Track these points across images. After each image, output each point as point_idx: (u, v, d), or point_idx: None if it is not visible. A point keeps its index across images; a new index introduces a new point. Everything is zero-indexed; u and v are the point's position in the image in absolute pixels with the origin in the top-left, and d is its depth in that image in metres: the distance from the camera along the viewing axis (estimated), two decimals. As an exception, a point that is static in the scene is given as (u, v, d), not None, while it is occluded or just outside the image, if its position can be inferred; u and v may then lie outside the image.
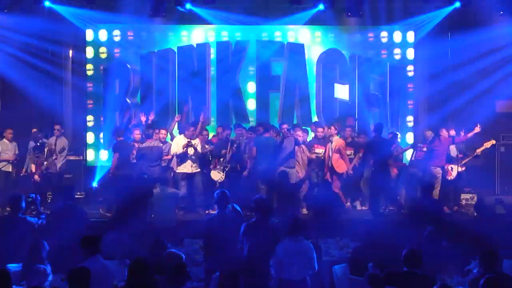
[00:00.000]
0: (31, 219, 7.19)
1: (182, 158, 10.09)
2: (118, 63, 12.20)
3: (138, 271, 5.24)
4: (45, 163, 10.33)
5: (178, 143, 10.15)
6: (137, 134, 10.37)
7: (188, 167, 10.11)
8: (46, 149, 10.41)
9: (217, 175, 10.21)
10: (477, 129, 10.40)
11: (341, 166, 10.13)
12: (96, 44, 12.28)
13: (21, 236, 6.69)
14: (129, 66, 12.21)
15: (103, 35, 12.24)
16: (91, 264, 5.24)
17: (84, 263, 5.33)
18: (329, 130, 10.35)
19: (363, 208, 10.54)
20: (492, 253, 5.61)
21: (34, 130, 10.98)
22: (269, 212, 6.75)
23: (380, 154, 9.90)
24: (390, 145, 10.44)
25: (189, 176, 10.16)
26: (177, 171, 10.18)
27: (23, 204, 7.16)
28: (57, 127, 10.71)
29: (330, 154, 10.15)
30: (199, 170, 10.20)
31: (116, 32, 12.28)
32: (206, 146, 10.31)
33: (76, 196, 10.26)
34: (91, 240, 5.69)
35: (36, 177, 10.30)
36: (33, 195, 8.01)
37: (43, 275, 5.68)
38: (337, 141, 10.19)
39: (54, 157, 10.41)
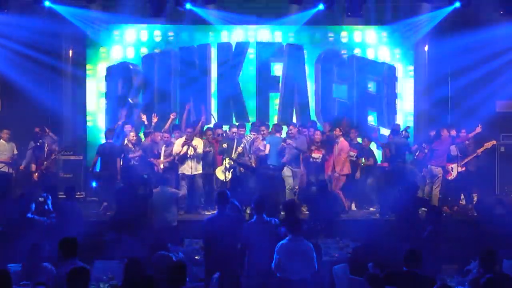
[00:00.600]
0: (40, 218, 7.18)
1: (182, 158, 10.08)
2: (120, 63, 12.19)
3: (134, 270, 5.24)
4: (45, 163, 10.33)
5: (178, 144, 10.14)
6: (132, 136, 10.29)
7: (187, 168, 10.07)
8: (46, 149, 10.41)
9: (222, 175, 10.16)
10: (479, 129, 10.41)
11: (344, 168, 10.15)
12: (97, 44, 12.28)
13: (30, 236, 6.67)
14: (131, 66, 12.21)
15: (103, 35, 12.23)
16: (68, 267, 5.11)
17: (62, 266, 5.29)
18: (334, 132, 10.37)
19: (371, 209, 10.56)
20: (492, 253, 5.62)
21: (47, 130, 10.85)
22: (271, 212, 6.74)
23: (400, 155, 9.93)
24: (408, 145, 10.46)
25: (189, 176, 10.15)
26: (179, 172, 10.15)
27: (33, 205, 7.16)
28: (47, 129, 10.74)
29: (335, 154, 10.17)
30: (200, 172, 10.16)
31: (116, 32, 12.29)
32: (208, 148, 10.29)
33: (76, 196, 10.30)
34: (68, 243, 5.60)
35: (35, 175, 10.28)
36: (45, 194, 7.99)
37: (49, 273, 5.68)
38: (342, 142, 10.20)
39: (53, 157, 10.41)
